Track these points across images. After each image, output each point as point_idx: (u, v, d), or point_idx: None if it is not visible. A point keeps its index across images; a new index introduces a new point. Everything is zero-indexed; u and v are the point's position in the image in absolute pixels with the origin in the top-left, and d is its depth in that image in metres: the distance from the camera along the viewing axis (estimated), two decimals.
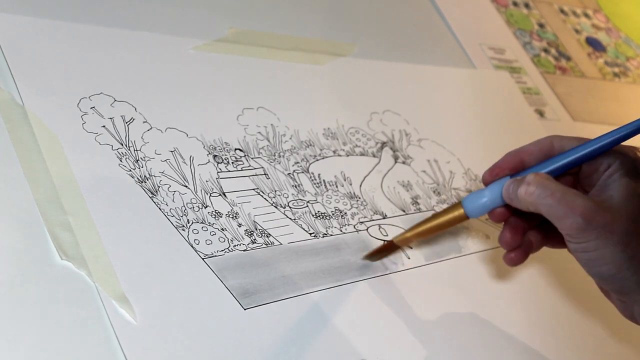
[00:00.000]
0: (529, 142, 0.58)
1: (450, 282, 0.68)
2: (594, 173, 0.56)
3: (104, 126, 0.62)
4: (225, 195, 0.64)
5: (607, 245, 0.52)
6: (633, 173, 0.55)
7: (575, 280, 0.76)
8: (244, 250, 0.60)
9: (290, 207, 0.66)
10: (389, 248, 0.65)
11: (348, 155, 0.74)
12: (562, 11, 1.18)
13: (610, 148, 0.56)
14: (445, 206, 0.72)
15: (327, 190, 0.69)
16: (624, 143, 0.57)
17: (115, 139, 0.62)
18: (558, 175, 0.56)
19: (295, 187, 0.68)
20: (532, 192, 0.54)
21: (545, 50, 1.07)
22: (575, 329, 0.72)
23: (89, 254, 0.54)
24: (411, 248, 0.68)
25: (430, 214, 0.70)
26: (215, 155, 0.66)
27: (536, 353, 0.67)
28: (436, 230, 0.61)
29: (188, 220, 0.60)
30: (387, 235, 0.68)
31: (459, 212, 0.59)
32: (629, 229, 0.53)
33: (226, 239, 0.60)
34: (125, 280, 0.54)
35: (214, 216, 0.61)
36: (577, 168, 0.57)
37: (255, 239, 0.62)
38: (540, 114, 0.95)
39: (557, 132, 0.95)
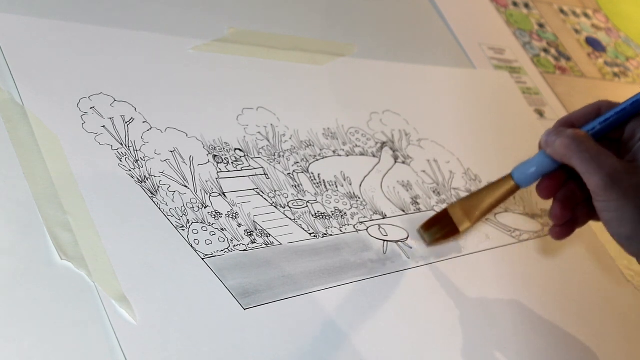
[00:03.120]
0: (579, 108, 0.61)
1: (450, 282, 0.68)
2: (631, 139, 0.58)
3: (103, 126, 0.62)
4: (225, 195, 0.64)
5: (628, 206, 0.54)
6: None
7: (574, 281, 0.76)
8: (243, 250, 0.60)
9: (290, 207, 0.66)
10: (448, 228, 0.65)
11: (348, 155, 0.74)
12: (562, 11, 1.18)
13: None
14: (444, 206, 0.72)
15: (327, 190, 0.69)
16: None
17: (115, 139, 0.62)
18: (601, 135, 0.59)
19: (295, 187, 0.68)
20: (568, 145, 0.56)
21: (545, 50, 1.07)
22: (575, 328, 0.72)
23: (89, 254, 0.54)
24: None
25: (430, 214, 0.70)
26: (215, 155, 0.66)
27: (536, 353, 0.67)
28: (493, 208, 0.64)
29: (188, 220, 0.60)
30: (387, 235, 0.68)
31: (510, 184, 0.62)
32: None
33: (226, 239, 0.60)
34: (125, 280, 0.54)
35: (213, 216, 0.61)
36: (619, 135, 0.59)
37: (255, 239, 0.62)
38: (540, 114, 0.95)
39: None
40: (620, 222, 0.54)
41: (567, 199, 0.61)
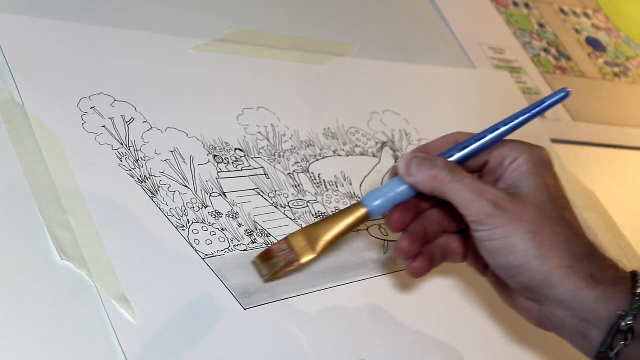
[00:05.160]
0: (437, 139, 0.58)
1: (450, 282, 0.68)
2: (499, 167, 0.55)
3: (104, 126, 0.62)
4: (225, 195, 0.64)
5: (515, 233, 0.51)
6: (541, 166, 0.54)
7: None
8: (244, 250, 0.60)
9: (290, 207, 0.66)
10: (288, 259, 0.57)
11: (348, 155, 0.74)
12: (562, 11, 1.18)
13: (504, 136, 0.56)
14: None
15: (328, 190, 0.69)
16: (527, 140, 0.57)
17: (116, 139, 0.62)
18: (460, 164, 0.55)
19: (296, 187, 0.68)
20: (442, 177, 0.53)
21: (546, 50, 1.07)
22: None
23: (89, 254, 0.54)
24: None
25: None
26: (216, 155, 0.66)
27: (536, 352, 0.67)
28: (340, 237, 0.58)
29: (188, 220, 0.60)
30: (387, 235, 0.68)
31: (360, 212, 0.56)
32: (539, 217, 0.52)
33: (226, 239, 0.60)
34: (125, 280, 0.54)
35: (214, 216, 0.61)
36: (482, 164, 0.56)
37: (255, 239, 0.62)
38: None
39: (557, 132, 0.95)
40: (507, 250, 0.51)
41: (417, 234, 0.56)
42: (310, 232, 0.58)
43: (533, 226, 0.51)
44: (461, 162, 0.56)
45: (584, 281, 0.51)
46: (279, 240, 0.58)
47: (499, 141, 0.56)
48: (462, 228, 0.58)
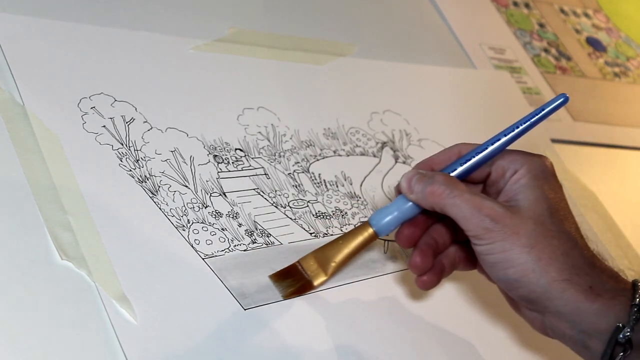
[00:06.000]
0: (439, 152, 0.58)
1: (450, 282, 0.68)
2: (500, 179, 0.56)
3: (104, 126, 0.62)
4: (225, 195, 0.63)
5: (513, 247, 0.51)
6: (541, 177, 0.54)
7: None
8: (244, 250, 0.60)
9: (290, 207, 0.66)
10: (302, 282, 0.59)
11: (348, 155, 0.74)
12: (562, 11, 1.18)
13: (505, 147, 0.56)
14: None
15: (328, 190, 0.69)
16: (528, 150, 0.57)
17: (116, 139, 0.62)
18: (463, 178, 0.56)
19: (296, 187, 0.68)
20: (441, 192, 0.53)
21: (546, 50, 1.07)
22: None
23: (89, 254, 0.54)
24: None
25: None
26: (216, 155, 0.66)
27: (537, 352, 0.67)
28: (350, 259, 0.59)
29: (188, 220, 0.60)
30: (387, 235, 0.68)
31: (368, 232, 0.57)
32: (536, 230, 0.52)
33: (226, 239, 0.60)
34: (125, 280, 0.54)
35: (214, 216, 0.61)
36: (485, 176, 0.57)
37: (255, 239, 0.62)
38: None
39: (558, 132, 0.95)
40: (506, 264, 0.52)
41: (428, 247, 0.57)
42: (321, 255, 0.59)
43: (530, 240, 0.52)
44: (464, 175, 0.56)
45: (582, 294, 0.51)
46: (290, 263, 0.59)
47: (500, 152, 0.56)
48: None
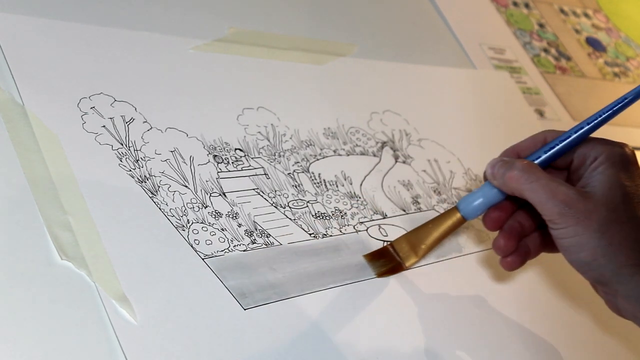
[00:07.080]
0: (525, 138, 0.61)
1: (450, 282, 0.68)
2: (581, 166, 0.58)
3: (104, 126, 0.62)
4: (225, 195, 0.64)
5: (585, 232, 0.54)
6: (619, 165, 0.56)
7: (574, 280, 0.76)
8: (243, 251, 0.60)
9: (290, 207, 0.66)
10: (394, 262, 0.64)
11: (348, 155, 0.74)
12: (562, 11, 1.18)
13: (587, 135, 0.58)
14: (445, 206, 0.72)
15: (328, 190, 0.69)
16: (607, 136, 0.59)
17: (115, 139, 0.62)
18: (547, 164, 0.58)
19: (296, 187, 0.68)
20: (519, 177, 0.56)
21: (545, 50, 1.07)
22: (574, 328, 0.72)
23: (89, 254, 0.54)
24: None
25: (430, 213, 0.70)
26: (216, 155, 0.66)
27: (537, 352, 0.67)
28: (439, 241, 0.63)
29: (188, 220, 0.60)
30: (387, 236, 0.68)
31: (456, 216, 0.61)
32: (608, 217, 0.54)
33: (226, 239, 0.60)
34: (125, 280, 0.54)
35: (214, 216, 0.61)
36: (568, 163, 0.59)
37: (255, 239, 0.62)
38: (540, 113, 0.95)
39: None
40: (578, 247, 0.54)
41: (513, 230, 0.60)
42: (412, 238, 0.64)
43: (602, 225, 0.54)
44: (547, 162, 0.58)
45: None
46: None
47: (583, 140, 0.58)
48: None
